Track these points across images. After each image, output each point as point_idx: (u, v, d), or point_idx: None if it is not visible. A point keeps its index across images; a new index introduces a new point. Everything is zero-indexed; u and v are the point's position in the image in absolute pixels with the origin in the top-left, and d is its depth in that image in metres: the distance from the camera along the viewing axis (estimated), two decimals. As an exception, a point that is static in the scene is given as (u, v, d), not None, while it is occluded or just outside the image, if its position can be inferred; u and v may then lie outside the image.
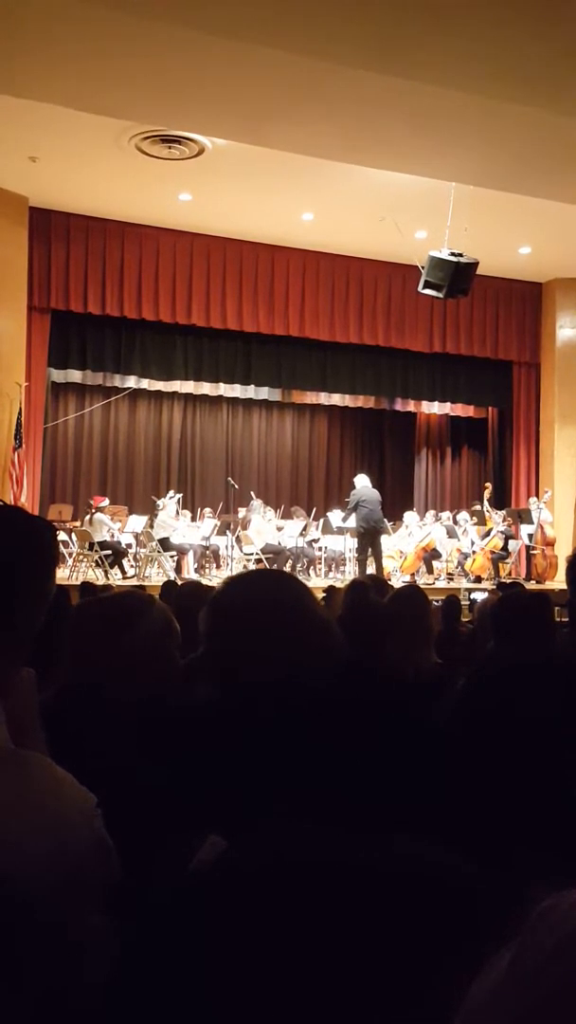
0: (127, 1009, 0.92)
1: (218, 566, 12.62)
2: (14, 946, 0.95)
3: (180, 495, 13.16)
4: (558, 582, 12.50)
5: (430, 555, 12.55)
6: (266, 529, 12.29)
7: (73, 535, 11.94)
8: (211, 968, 0.86)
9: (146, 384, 13.94)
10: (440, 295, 9.74)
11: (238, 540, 12.29)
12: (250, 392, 14.55)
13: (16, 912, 0.95)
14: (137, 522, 12.60)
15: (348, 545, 12.46)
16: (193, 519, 12.82)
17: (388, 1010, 0.79)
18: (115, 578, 11.00)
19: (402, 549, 12.73)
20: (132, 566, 11.87)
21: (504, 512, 13.42)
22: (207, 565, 12.41)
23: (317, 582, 11.71)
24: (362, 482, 11.83)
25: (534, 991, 0.62)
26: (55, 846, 1.00)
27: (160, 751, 1.54)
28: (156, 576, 11.21)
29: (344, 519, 11.97)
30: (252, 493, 13.90)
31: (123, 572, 11.36)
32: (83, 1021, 1.01)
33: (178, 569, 11.59)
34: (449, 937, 0.82)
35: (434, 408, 15.43)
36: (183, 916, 0.96)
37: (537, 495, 13.79)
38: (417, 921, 0.84)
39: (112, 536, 11.57)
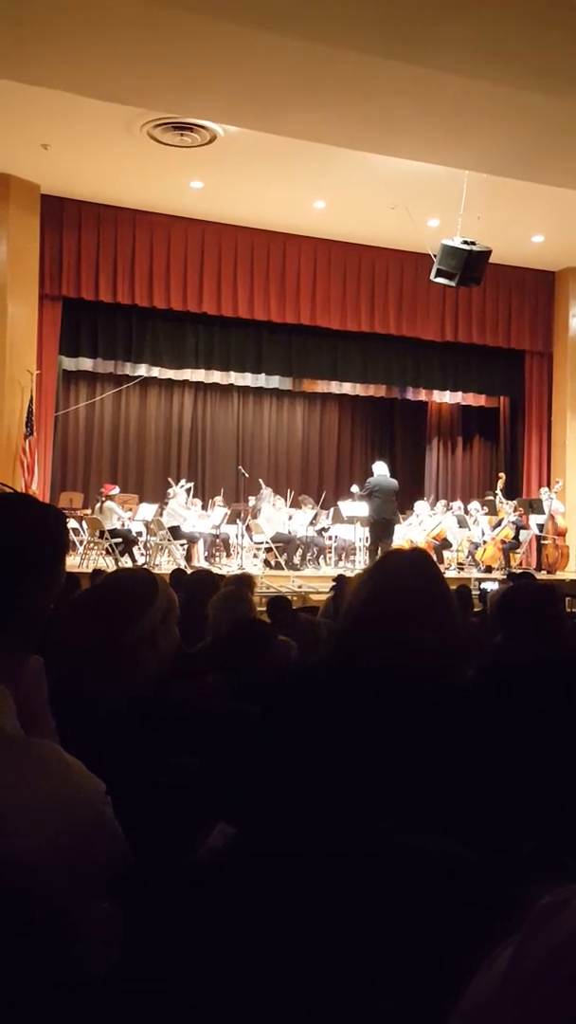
0: (132, 989, 0.93)
1: (228, 555, 12.64)
2: (17, 928, 0.96)
3: (191, 484, 13.16)
4: (569, 572, 12.48)
5: (440, 545, 12.53)
6: (276, 518, 12.28)
7: (84, 523, 11.95)
8: (213, 953, 0.87)
9: (157, 372, 13.92)
10: (452, 284, 9.69)
11: (248, 529, 12.29)
12: (261, 381, 14.49)
13: (20, 895, 0.96)
14: (148, 510, 12.60)
15: (358, 534, 12.44)
16: (203, 508, 12.83)
17: (386, 996, 0.79)
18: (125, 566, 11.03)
19: (412, 538, 12.70)
20: (142, 554, 11.89)
21: (515, 502, 13.37)
22: (217, 554, 12.43)
23: (327, 571, 11.72)
24: (380, 470, 11.66)
25: (535, 994, 0.61)
26: (62, 832, 1.01)
27: (168, 744, 1.55)
28: (166, 564, 11.23)
29: (357, 499, 11.91)
30: (262, 482, 13.88)
31: (133, 560, 11.38)
32: (86, 1001, 1.02)
33: (188, 557, 11.62)
34: (450, 928, 0.82)
35: (445, 397, 15.36)
36: (191, 902, 0.97)
37: (548, 485, 13.73)
38: (418, 912, 0.84)
39: (122, 524, 11.58)
